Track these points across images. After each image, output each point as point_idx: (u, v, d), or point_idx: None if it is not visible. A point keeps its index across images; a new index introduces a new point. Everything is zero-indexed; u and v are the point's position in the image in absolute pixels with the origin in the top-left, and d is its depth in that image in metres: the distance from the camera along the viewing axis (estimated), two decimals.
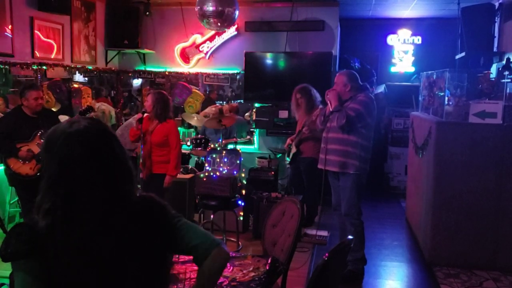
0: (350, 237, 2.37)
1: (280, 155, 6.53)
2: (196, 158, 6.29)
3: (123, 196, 1.40)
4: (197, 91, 7.14)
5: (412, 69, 8.34)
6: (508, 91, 4.42)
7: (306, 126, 5.08)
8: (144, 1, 6.81)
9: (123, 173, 1.42)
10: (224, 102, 7.26)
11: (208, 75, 7.07)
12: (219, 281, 2.22)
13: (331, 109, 3.88)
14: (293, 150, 5.32)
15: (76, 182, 1.32)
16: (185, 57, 7.08)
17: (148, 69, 7.25)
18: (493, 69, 5.58)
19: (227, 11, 5.64)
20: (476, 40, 5.62)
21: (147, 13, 6.88)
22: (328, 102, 3.93)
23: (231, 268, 2.38)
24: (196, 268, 1.51)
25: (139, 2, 6.85)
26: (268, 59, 6.68)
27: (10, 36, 5.13)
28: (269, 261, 2.42)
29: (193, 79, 7.29)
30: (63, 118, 5.25)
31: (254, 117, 6.75)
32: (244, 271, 2.34)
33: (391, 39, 8.38)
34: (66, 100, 6.14)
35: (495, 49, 5.79)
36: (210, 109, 6.83)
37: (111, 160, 1.39)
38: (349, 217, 3.94)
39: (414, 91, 6.40)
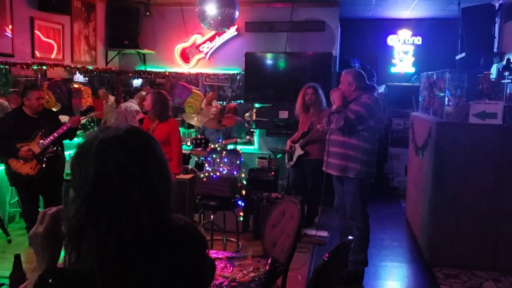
0: (350, 237, 2.37)
1: (280, 155, 6.52)
2: (196, 158, 6.29)
3: (163, 217, 1.18)
4: (197, 91, 7.14)
5: (412, 70, 8.34)
6: (508, 91, 4.42)
7: (322, 124, 4.69)
8: (144, 1, 6.81)
9: (165, 185, 1.22)
10: (225, 103, 7.25)
11: (208, 75, 7.07)
12: (219, 281, 2.22)
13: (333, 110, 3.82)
14: (299, 151, 5.24)
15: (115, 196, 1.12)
16: (185, 57, 7.08)
17: (148, 69, 7.26)
18: (493, 70, 5.57)
19: (227, 11, 5.64)
20: (476, 41, 5.63)
21: (147, 13, 6.88)
22: (333, 102, 3.84)
23: (231, 268, 2.38)
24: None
25: (139, 2, 6.85)
26: (268, 59, 6.68)
27: (10, 36, 5.13)
28: (269, 261, 2.42)
29: (193, 79, 7.29)
30: (63, 118, 5.25)
31: (254, 118, 6.75)
32: (244, 272, 2.34)
33: (391, 40, 8.38)
34: (66, 100, 6.15)
35: (495, 50, 5.79)
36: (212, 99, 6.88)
37: (154, 169, 1.20)
38: (354, 220, 3.88)
39: (414, 91, 6.40)
